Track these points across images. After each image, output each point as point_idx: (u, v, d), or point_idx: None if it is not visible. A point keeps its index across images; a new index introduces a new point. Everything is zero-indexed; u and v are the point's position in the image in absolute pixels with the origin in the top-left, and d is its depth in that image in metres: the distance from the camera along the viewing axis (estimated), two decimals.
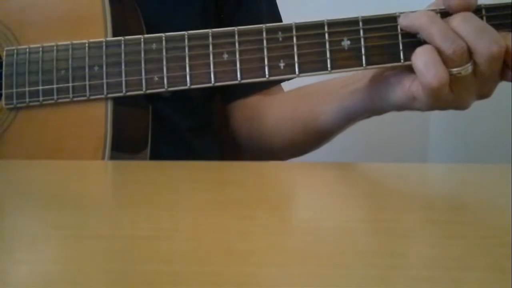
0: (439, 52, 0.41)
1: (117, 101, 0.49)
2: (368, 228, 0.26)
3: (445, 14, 0.42)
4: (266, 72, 0.46)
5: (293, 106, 0.60)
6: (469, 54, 0.41)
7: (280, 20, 0.68)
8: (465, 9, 0.42)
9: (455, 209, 0.29)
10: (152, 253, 0.21)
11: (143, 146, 0.54)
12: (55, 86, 0.49)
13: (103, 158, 0.48)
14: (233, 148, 0.72)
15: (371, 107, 0.49)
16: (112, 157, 0.49)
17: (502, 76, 0.42)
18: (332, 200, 0.32)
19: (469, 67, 0.41)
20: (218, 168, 0.43)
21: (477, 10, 0.42)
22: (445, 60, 0.41)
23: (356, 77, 0.51)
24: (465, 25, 0.40)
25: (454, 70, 0.41)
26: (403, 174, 0.42)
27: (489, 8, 0.42)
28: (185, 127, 0.65)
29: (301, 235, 0.24)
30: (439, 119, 0.98)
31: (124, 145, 0.51)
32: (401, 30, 0.43)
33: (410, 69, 0.43)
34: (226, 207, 0.29)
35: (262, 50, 0.46)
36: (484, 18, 0.42)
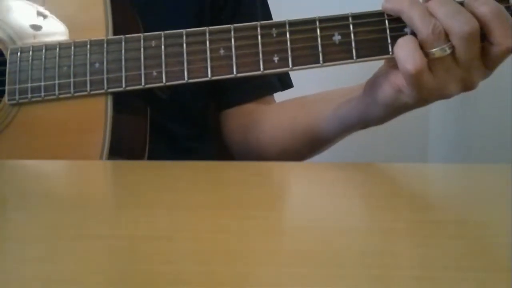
0: (418, 34, 0.43)
1: (116, 107, 0.50)
2: (368, 228, 0.26)
3: None
4: (261, 66, 0.47)
5: (291, 114, 0.61)
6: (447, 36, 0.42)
7: None
8: None
9: (455, 209, 0.29)
10: (152, 253, 0.21)
11: (141, 152, 0.54)
12: (56, 82, 0.50)
13: (102, 152, 0.49)
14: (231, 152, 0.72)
15: (366, 113, 0.50)
16: (110, 159, 0.49)
17: (484, 57, 0.43)
18: (332, 200, 0.32)
19: (446, 48, 0.42)
20: (218, 168, 0.43)
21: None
22: (424, 41, 0.42)
23: (354, 87, 0.52)
24: (440, 6, 0.42)
25: (432, 50, 0.42)
26: (403, 174, 0.42)
27: None
28: (182, 135, 0.66)
29: (301, 235, 0.24)
30: (439, 119, 0.98)
31: (123, 150, 0.51)
32: (388, 23, 0.45)
33: (396, 66, 0.44)
34: (226, 207, 0.29)
35: (257, 45, 0.47)
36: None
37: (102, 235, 0.24)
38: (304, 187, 0.38)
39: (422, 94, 0.44)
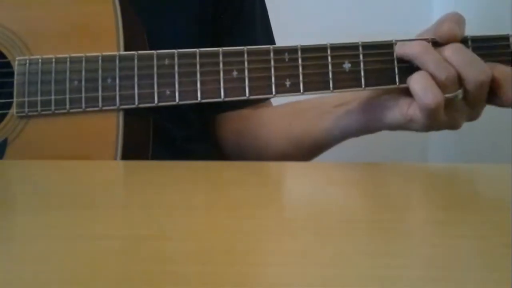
0: (433, 78, 0.44)
1: (125, 118, 0.50)
2: (368, 228, 0.26)
3: (435, 43, 0.46)
4: (273, 90, 0.48)
5: (286, 121, 0.62)
6: (459, 81, 0.44)
7: (273, 38, 0.72)
8: (453, 38, 0.45)
9: (455, 209, 0.29)
10: (152, 253, 0.21)
11: (145, 157, 0.54)
12: (67, 96, 0.50)
13: None
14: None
15: (366, 127, 0.51)
16: None
17: (489, 101, 0.46)
18: (332, 200, 0.32)
19: (458, 94, 0.44)
20: (218, 168, 0.43)
21: (464, 41, 0.46)
22: (438, 85, 0.44)
23: (349, 97, 0.53)
24: (457, 56, 0.44)
25: (447, 95, 0.44)
26: (403, 174, 0.42)
27: (475, 40, 0.46)
28: (179, 136, 0.66)
29: (301, 235, 0.24)
30: None
31: (130, 157, 0.51)
32: (396, 56, 0.47)
33: (406, 93, 0.46)
34: (226, 207, 0.29)
35: (269, 69, 0.48)
36: (470, 48, 0.46)
37: (102, 235, 0.24)
38: (303, 187, 0.38)
39: (433, 125, 0.46)
